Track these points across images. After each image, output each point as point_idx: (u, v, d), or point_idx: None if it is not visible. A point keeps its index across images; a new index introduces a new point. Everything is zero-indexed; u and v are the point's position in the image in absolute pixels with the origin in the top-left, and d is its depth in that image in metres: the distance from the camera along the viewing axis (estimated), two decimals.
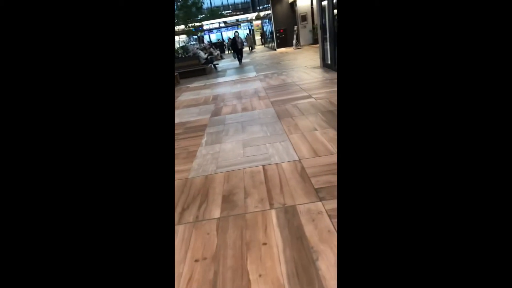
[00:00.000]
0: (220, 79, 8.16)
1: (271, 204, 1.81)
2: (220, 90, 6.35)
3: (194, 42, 14.62)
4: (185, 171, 2.48)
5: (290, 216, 1.67)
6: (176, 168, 2.58)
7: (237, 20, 26.58)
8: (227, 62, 13.01)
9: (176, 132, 3.69)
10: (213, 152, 2.82)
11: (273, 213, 1.72)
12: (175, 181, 2.32)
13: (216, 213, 1.81)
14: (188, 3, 14.38)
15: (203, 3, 16.67)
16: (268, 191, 1.96)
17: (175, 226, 1.74)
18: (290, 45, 15.14)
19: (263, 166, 2.33)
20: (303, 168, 2.20)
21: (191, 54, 10.38)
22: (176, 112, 4.90)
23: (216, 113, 4.36)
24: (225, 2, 28.63)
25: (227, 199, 1.94)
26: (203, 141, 3.18)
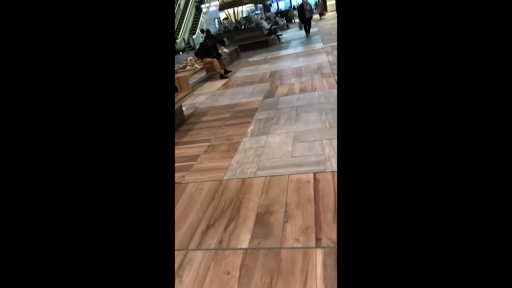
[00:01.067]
0: (282, 52, 7.49)
1: (318, 240, 1.30)
2: (279, 65, 5.75)
3: (258, 12, 13.86)
4: (222, 170, 2.10)
5: None
6: (213, 164, 2.23)
7: None
8: (293, 32, 12.03)
9: (223, 116, 3.33)
10: (257, 146, 2.37)
11: (319, 254, 1.22)
12: (208, 182, 1.97)
13: (245, 240, 1.39)
14: None
15: None
16: (317, 215, 1.44)
17: (193, 252, 1.39)
18: None
19: (315, 174, 1.79)
20: None
21: (253, 25, 9.78)
22: (229, 91, 4.55)
23: (270, 94, 3.85)
24: None
25: (262, 220, 1.50)
26: (249, 130, 2.75)
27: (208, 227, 1.54)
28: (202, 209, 1.70)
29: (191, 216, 1.66)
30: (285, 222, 1.45)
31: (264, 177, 1.88)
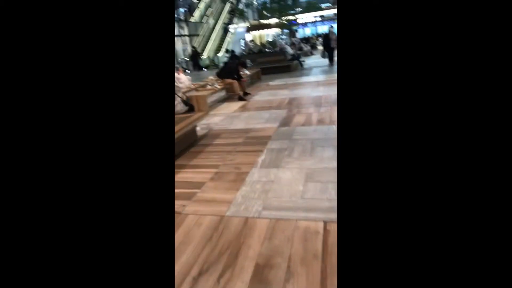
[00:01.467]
0: (304, 78, 7.45)
1: None
2: (299, 92, 5.68)
3: (284, 37, 14.10)
4: (225, 203, 1.96)
5: None
6: (217, 196, 2.09)
7: (335, 14, 24.82)
8: (316, 59, 12.08)
9: (235, 141, 3.23)
10: (266, 179, 2.22)
11: None
12: (209, 216, 1.83)
13: None
14: None
15: None
16: (324, 277, 1.26)
17: None
18: None
19: (325, 223, 1.62)
20: None
21: (277, 49, 9.89)
22: (245, 114, 4.48)
23: (286, 122, 3.73)
24: None
25: (260, 275, 1.32)
26: (260, 159, 2.61)
27: (201, 273, 1.38)
28: (198, 250, 1.55)
29: (184, 256, 1.51)
30: (286, 280, 1.27)
31: (269, 219, 1.72)
